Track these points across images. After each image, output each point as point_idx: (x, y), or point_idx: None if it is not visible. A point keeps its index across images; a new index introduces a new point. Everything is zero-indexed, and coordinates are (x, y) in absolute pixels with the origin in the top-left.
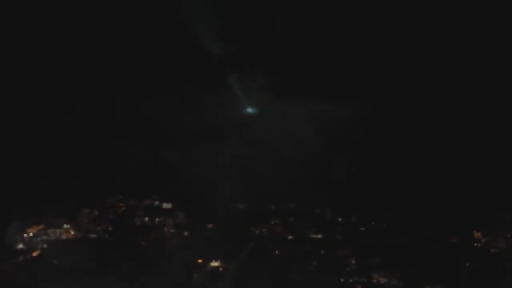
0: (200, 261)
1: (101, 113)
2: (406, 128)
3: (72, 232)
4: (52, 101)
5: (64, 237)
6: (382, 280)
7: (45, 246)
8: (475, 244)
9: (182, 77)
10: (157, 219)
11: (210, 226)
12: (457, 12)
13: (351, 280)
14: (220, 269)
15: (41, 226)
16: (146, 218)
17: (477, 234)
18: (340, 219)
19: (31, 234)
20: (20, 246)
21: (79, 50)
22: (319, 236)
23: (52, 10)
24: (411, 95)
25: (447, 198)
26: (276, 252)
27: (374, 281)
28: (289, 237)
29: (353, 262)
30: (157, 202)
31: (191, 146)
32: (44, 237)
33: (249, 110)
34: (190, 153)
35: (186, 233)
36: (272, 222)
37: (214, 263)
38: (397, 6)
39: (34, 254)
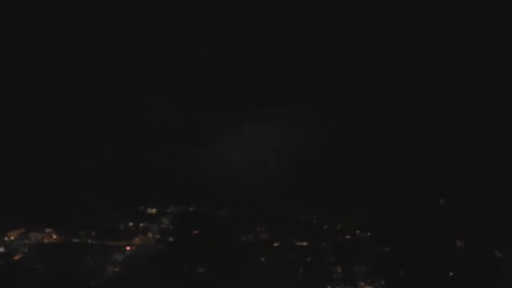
0: (186, 267)
1: (85, 115)
2: (393, 136)
3: (54, 236)
4: (39, 101)
5: (46, 241)
6: None
7: (26, 250)
8: (458, 253)
9: (175, 78)
10: (141, 224)
11: (196, 232)
12: (456, 12)
13: None
14: (206, 275)
15: (22, 230)
16: (130, 223)
17: (460, 244)
18: (325, 227)
19: (12, 238)
20: (1, 249)
21: (69, 51)
22: (305, 243)
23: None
24: (403, 104)
25: (431, 207)
26: (262, 259)
27: None
28: (275, 244)
29: (339, 270)
30: (141, 207)
31: (176, 149)
32: (26, 241)
33: (239, 112)
34: (175, 157)
35: (171, 239)
36: (258, 229)
37: (201, 269)
38: (398, 6)
39: (16, 258)
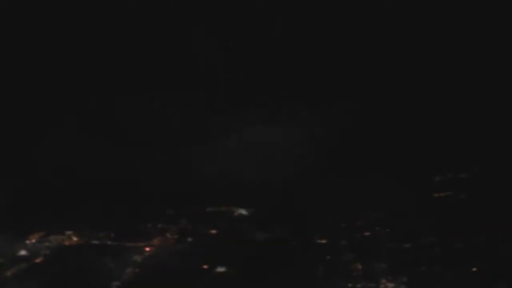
0: (205, 267)
1: (95, 115)
2: (408, 131)
3: (74, 238)
4: (53, 102)
5: (67, 243)
6: (390, 286)
7: (48, 252)
8: (480, 249)
9: (175, 78)
10: (159, 225)
11: (214, 232)
12: (456, 11)
13: (359, 285)
14: (227, 274)
15: (43, 233)
16: (149, 224)
17: (481, 238)
18: (343, 225)
19: (33, 241)
20: (23, 252)
21: (68, 50)
22: (324, 241)
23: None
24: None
25: (450, 202)
26: (281, 257)
27: (382, 286)
28: (294, 243)
29: (359, 267)
30: (159, 208)
31: (187, 150)
32: (46, 244)
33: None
34: (188, 157)
35: (190, 239)
36: (276, 228)
37: (220, 269)
38: (398, 6)
39: (37, 260)
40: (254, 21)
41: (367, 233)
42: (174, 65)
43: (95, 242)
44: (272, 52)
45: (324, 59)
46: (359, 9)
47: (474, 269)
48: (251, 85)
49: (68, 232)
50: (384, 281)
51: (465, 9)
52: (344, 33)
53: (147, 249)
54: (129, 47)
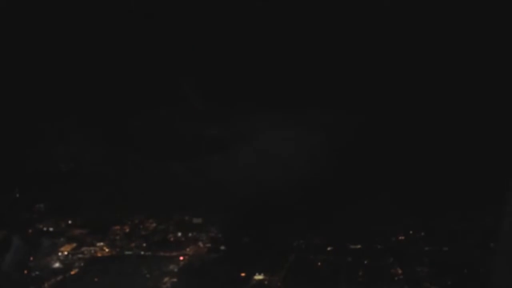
0: (243, 274)
1: (117, 126)
2: (431, 134)
3: (106, 250)
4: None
5: (99, 254)
6: None
7: (82, 264)
8: None
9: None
10: (190, 234)
11: (246, 239)
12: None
13: None
14: (266, 282)
15: (74, 245)
16: (179, 233)
17: None
18: (376, 229)
19: (65, 253)
20: (57, 265)
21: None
22: (359, 246)
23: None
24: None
25: (488, 202)
26: (319, 263)
27: None
28: (329, 248)
29: (400, 271)
30: (187, 217)
31: (206, 158)
32: (79, 255)
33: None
34: (209, 165)
35: (222, 247)
36: (309, 234)
37: (258, 277)
38: (398, 7)
39: (72, 272)
40: (254, 21)
41: (402, 237)
42: (174, 67)
43: (128, 252)
44: (272, 52)
45: (325, 60)
46: (360, 9)
47: None
48: (251, 85)
49: (99, 244)
50: (428, 285)
51: (469, 11)
52: (344, 34)
53: (181, 258)
54: (132, 52)
